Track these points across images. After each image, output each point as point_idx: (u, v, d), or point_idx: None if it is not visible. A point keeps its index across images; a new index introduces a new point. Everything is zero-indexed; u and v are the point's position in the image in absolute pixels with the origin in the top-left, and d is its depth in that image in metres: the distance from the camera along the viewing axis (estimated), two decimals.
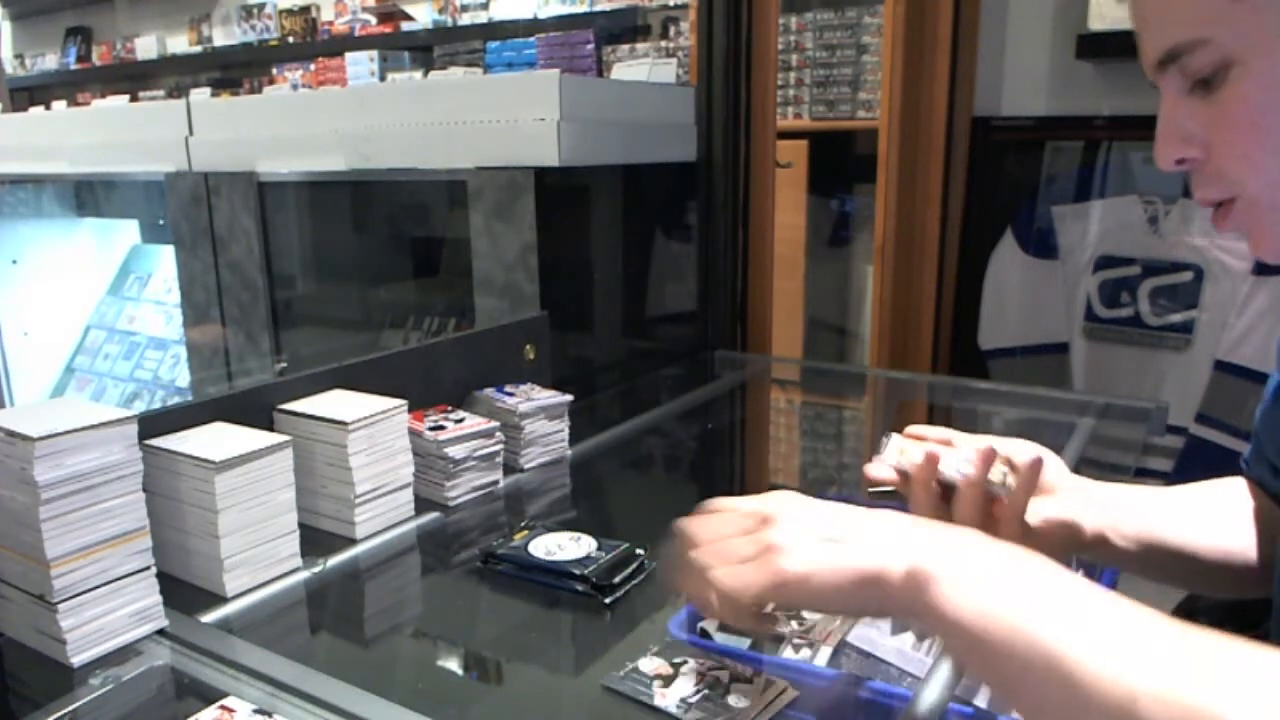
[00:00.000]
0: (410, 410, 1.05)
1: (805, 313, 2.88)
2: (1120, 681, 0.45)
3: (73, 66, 5.46)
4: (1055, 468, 0.79)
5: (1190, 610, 0.95)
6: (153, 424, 0.88)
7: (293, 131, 1.86)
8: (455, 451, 1.09)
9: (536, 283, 1.48)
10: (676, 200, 1.87)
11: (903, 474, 0.79)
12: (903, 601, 0.55)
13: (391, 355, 1.21)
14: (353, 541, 1.00)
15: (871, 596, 0.56)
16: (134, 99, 3.27)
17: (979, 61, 2.13)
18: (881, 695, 0.71)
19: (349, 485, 0.98)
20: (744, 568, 0.60)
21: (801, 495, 0.66)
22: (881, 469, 0.80)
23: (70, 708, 0.70)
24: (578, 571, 0.89)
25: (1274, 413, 0.84)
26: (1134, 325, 2.00)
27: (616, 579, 0.89)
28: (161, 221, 2.41)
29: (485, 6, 3.81)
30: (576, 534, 0.97)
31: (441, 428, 1.11)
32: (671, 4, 3.31)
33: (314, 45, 4.33)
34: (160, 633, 0.80)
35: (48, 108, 2.98)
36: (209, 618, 0.84)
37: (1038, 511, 0.75)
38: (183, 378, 2.57)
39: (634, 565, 0.92)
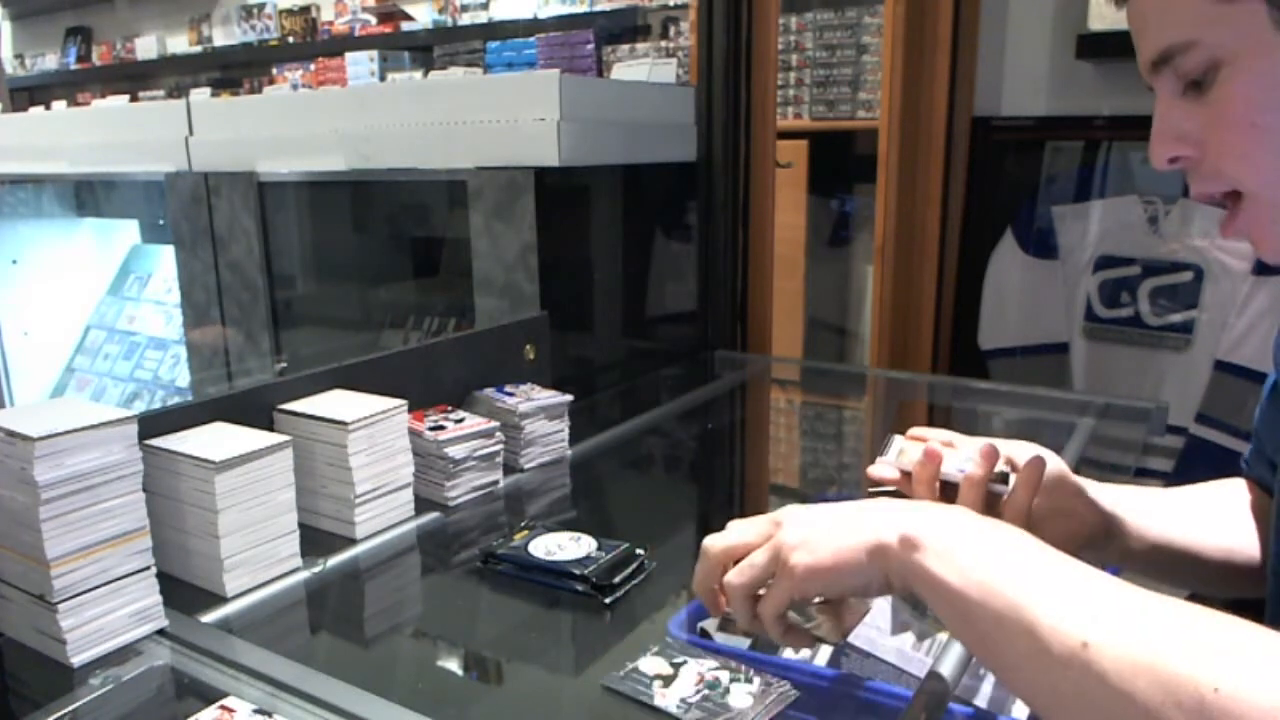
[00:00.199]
0: (410, 410, 1.05)
1: (805, 313, 2.88)
2: (1078, 632, 0.49)
3: (73, 66, 5.46)
4: (1057, 468, 0.79)
5: None
6: (153, 424, 0.88)
7: (293, 131, 1.86)
8: (455, 451, 1.09)
9: (536, 283, 1.48)
10: (676, 200, 1.87)
11: (905, 474, 0.79)
12: (899, 567, 0.60)
13: (391, 355, 1.21)
14: (353, 541, 1.00)
15: (877, 567, 0.62)
16: (134, 99, 3.26)
17: (979, 61, 2.13)
18: (881, 695, 0.71)
19: (349, 485, 0.98)
20: (770, 587, 0.66)
21: (806, 505, 0.70)
22: (884, 469, 0.81)
23: (70, 708, 0.70)
24: (578, 571, 0.89)
25: (1273, 412, 0.84)
26: (1134, 325, 2.00)
27: (616, 579, 0.89)
28: (161, 221, 2.41)
29: (485, 6, 3.81)
30: (576, 534, 0.97)
31: (441, 428, 1.11)
32: (671, 4, 3.31)
33: (314, 45, 4.33)
34: (160, 633, 0.80)
35: (48, 108, 2.98)
36: (209, 618, 0.84)
37: (1040, 512, 0.75)
38: (183, 378, 2.57)
39: (634, 565, 0.92)
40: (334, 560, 0.97)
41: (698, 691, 0.70)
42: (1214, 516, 0.85)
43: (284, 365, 2.00)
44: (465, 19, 3.85)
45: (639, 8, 3.39)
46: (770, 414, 1.79)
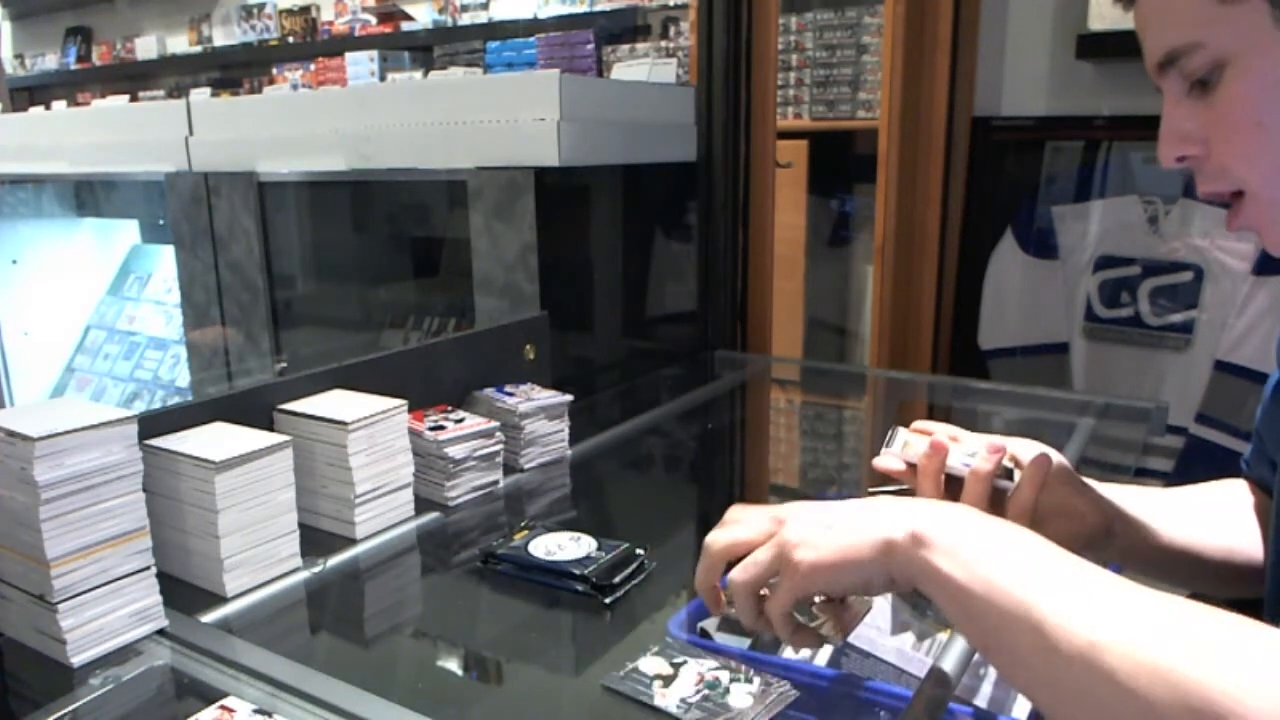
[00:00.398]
0: (410, 410, 1.05)
1: (805, 313, 2.88)
2: (1085, 631, 0.49)
3: (73, 66, 5.46)
4: (1061, 467, 0.79)
5: None
6: (153, 424, 0.88)
7: (293, 131, 1.86)
8: (455, 451, 1.09)
9: (536, 283, 1.48)
10: (676, 200, 1.87)
11: (910, 466, 0.79)
12: (906, 564, 0.60)
13: (391, 355, 1.21)
14: (353, 541, 1.00)
15: (882, 565, 0.61)
16: (134, 99, 3.27)
17: (979, 61, 2.13)
18: (881, 695, 0.71)
19: (349, 485, 0.98)
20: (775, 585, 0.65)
21: (808, 502, 0.69)
22: (889, 460, 0.80)
23: (70, 708, 0.70)
24: (578, 571, 0.89)
25: (1274, 411, 0.84)
26: (1134, 325, 2.00)
27: (616, 579, 0.89)
28: (161, 221, 2.41)
29: (485, 6, 3.81)
30: (576, 534, 0.97)
31: (441, 428, 1.11)
32: (671, 4, 3.31)
33: (314, 45, 4.33)
34: (160, 633, 0.80)
35: (48, 108, 2.98)
36: (209, 618, 0.84)
37: (1043, 510, 0.75)
38: (183, 378, 2.57)
39: (634, 565, 0.92)
40: (334, 560, 0.97)
41: (698, 691, 0.70)
42: (1214, 516, 0.85)
43: (284, 365, 2.00)
44: (465, 19, 3.85)
45: (639, 8, 3.39)
46: (770, 414, 1.79)
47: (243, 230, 1.97)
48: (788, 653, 0.81)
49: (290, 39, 4.45)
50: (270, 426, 1.00)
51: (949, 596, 0.57)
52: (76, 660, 0.75)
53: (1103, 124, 2.05)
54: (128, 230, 2.88)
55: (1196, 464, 1.88)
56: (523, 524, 1.02)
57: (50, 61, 5.61)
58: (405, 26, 4.01)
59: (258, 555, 0.89)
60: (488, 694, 0.80)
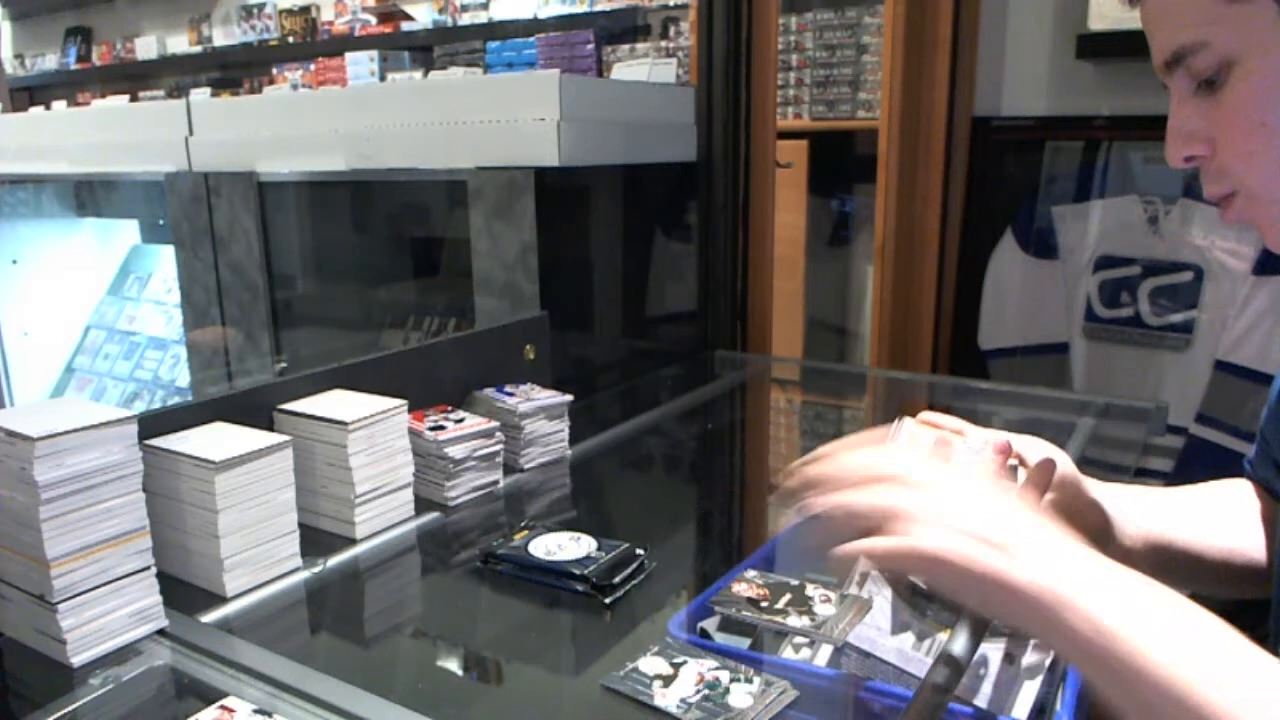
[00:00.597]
0: (410, 410, 1.05)
1: (805, 313, 2.88)
2: (1230, 709, 0.48)
3: (73, 66, 5.46)
4: (1065, 468, 0.79)
5: None
6: (153, 424, 0.88)
7: (293, 131, 1.86)
8: (455, 451, 1.09)
9: (536, 283, 1.48)
10: (676, 200, 1.87)
11: None
12: (1031, 616, 0.56)
13: (391, 355, 1.21)
14: (353, 541, 1.00)
15: (1001, 603, 0.58)
16: (134, 99, 3.27)
17: (979, 61, 2.13)
18: (881, 695, 0.71)
19: (349, 485, 0.98)
20: (880, 536, 0.61)
21: (926, 463, 0.66)
22: None
23: (70, 708, 0.70)
24: (578, 571, 0.89)
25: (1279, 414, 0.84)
26: (1134, 325, 2.00)
27: (616, 579, 0.89)
28: (161, 221, 2.41)
29: (485, 6, 3.80)
30: (576, 534, 0.97)
31: (441, 428, 1.11)
32: (671, 4, 3.31)
33: (314, 45, 4.33)
34: (160, 633, 0.80)
35: (48, 108, 2.98)
36: (209, 618, 0.84)
37: (1044, 510, 0.75)
38: (183, 378, 2.57)
39: (634, 565, 0.92)
40: (334, 560, 0.97)
41: (698, 691, 0.70)
42: (1216, 517, 0.85)
43: (284, 365, 2.00)
44: (465, 19, 3.85)
45: (639, 8, 3.39)
46: (770, 414, 1.78)
47: (243, 230, 1.97)
48: (788, 652, 0.81)
49: (290, 39, 4.45)
50: (270, 426, 1.00)
51: (1084, 658, 0.55)
52: (76, 660, 0.75)
53: (1103, 124, 2.05)
54: (128, 230, 2.88)
55: (1196, 464, 1.88)
56: (523, 524, 1.02)
57: (50, 61, 5.61)
58: (405, 26, 4.01)
59: (258, 555, 0.89)
60: (488, 694, 0.80)
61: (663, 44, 3.29)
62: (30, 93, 5.52)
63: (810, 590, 0.84)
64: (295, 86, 4.17)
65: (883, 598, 0.80)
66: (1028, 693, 0.77)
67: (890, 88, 2.12)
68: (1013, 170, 2.15)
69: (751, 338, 1.99)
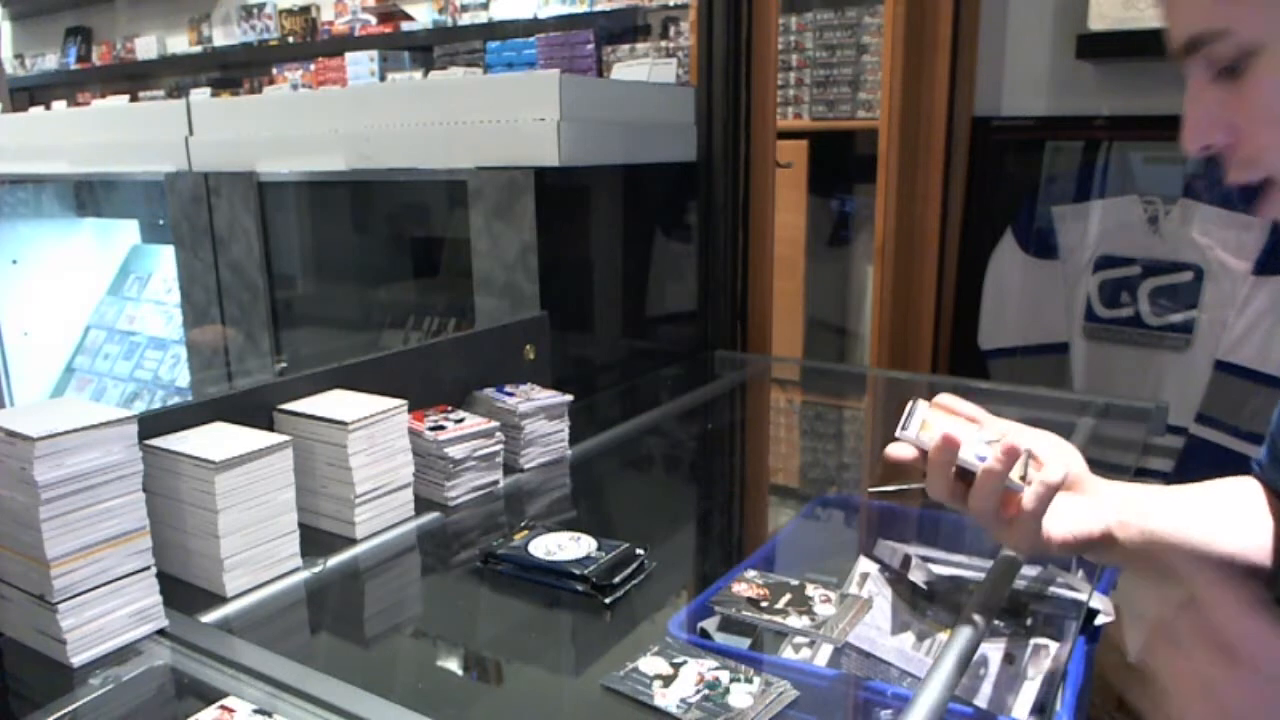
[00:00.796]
0: (410, 410, 1.05)
1: (805, 313, 2.88)
2: None
3: (73, 66, 5.46)
4: (1076, 465, 0.78)
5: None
6: (153, 424, 0.88)
7: (293, 131, 1.86)
8: (455, 451, 1.09)
9: (536, 283, 1.48)
10: (676, 200, 1.87)
11: (922, 451, 0.77)
12: None
13: (391, 355, 1.21)
14: (353, 541, 1.00)
15: None
16: (134, 99, 3.27)
17: (979, 61, 2.13)
18: (881, 695, 0.71)
19: (349, 485, 0.98)
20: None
21: None
22: (903, 448, 0.78)
23: (70, 708, 0.70)
24: (578, 571, 0.89)
25: None
26: (1134, 325, 2.00)
27: (616, 579, 0.89)
28: (161, 221, 2.41)
29: (485, 6, 3.80)
30: (576, 534, 0.97)
31: (441, 428, 1.11)
32: (671, 4, 3.31)
33: (314, 45, 4.33)
34: (160, 633, 0.80)
35: (48, 108, 2.98)
36: (209, 618, 0.84)
37: (1054, 517, 0.74)
38: (183, 378, 2.57)
39: (634, 565, 0.92)
40: (334, 560, 0.96)
41: (698, 691, 0.70)
42: (1224, 517, 0.84)
43: (284, 365, 2.00)
44: (465, 19, 3.85)
45: (639, 8, 3.39)
46: (770, 414, 1.78)
47: (243, 230, 1.97)
48: (788, 652, 0.81)
49: (290, 39, 4.45)
50: (270, 426, 1.00)
51: None
52: (76, 660, 0.75)
53: (1103, 124, 2.05)
54: (128, 230, 2.88)
55: (1196, 464, 1.88)
56: (523, 524, 1.02)
57: (50, 61, 5.61)
58: (405, 26, 4.01)
59: (258, 555, 0.89)
60: (488, 694, 0.80)
61: (663, 44, 3.29)
62: (30, 93, 5.52)
63: (810, 590, 0.84)
64: (295, 86, 4.17)
65: (883, 598, 0.80)
66: (1028, 693, 0.77)
67: (890, 88, 2.11)
68: (1013, 170, 2.15)
69: (751, 338, 1.99)
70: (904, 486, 0.80)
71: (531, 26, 3.58)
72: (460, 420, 1.14)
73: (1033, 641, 0.81)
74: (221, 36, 4.86)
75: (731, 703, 0.69)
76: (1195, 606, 0.54)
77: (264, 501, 0.89)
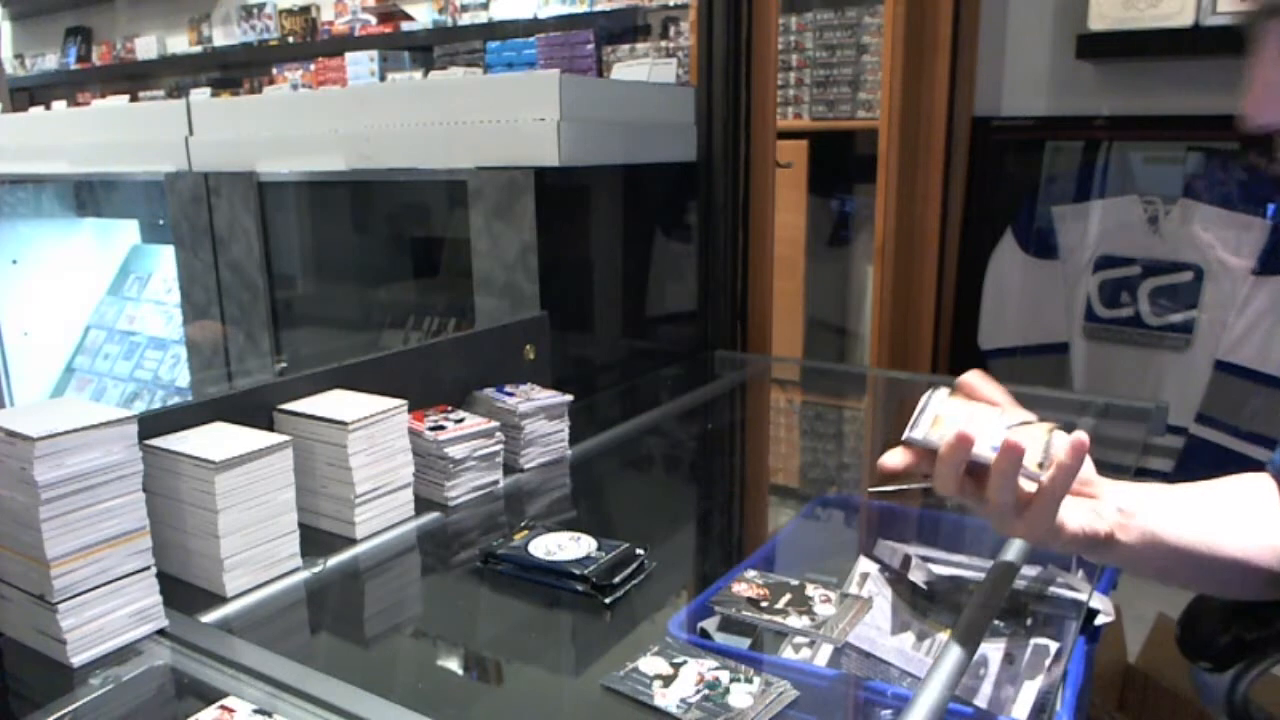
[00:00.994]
0: (410, 410, 1.05)
1: (805, 313, 2.88)
2: None
3: (73, 66, 5.46)
4: (1085, 464, 0.77)
5: (1197, 611, 0.94)
6: (153, 424, 0.88)
7: (293, 131, 1.86)
8: (455, 451, 1.09)
9: (536, 283, 1.48)
10: (676, 200, 1.87)
11: (930, 450, 0.75)
12: None
13: (391, 355, 1.21)
14: (353, 541, 1.00)
15: None
16: (134, 99, 3.27)
17: (979, 61, 2.13)
18: (881, 695, 0.71)
19: (349, 485, 0.98)
20: None
21: None
22: (895, 457, 0.76)
23: (70, 708, 0.70)
24: (578, 571, 0.89)
25: None
26: (1134, 325, 2.00)
27: (616, 579, 0.89)
28: (161, 221, 2.41)
29: (485, 6, 3.81)
30: (576, 534, 0.97)
31: (441, 428, 1.11)
32: (671, 4, 3.31)
33: (314, 45, 4.33)
34: (160, 633, 0.80)
35: (48, 108, 2.98)
36: (209, 618, 0.84)
37: (1066, 508, 0.74)
38: (183, 378, 2.57)
39: (634, 565, 0.92)
40: (334, 560, 0.96)
41: (698, 691, 0.70)
42: (1228, 519, 0.83)
43: (284, 365, 2.00)
44: (465, 19, 3.86)
45: (639, 8, 3.39)
46: (770, 414, 1.78)
47: (243, 230, 1.97)
48: (788, 653, 0.81)
49: (290, 39, 4.45)
50: (270, 426, 1.00)
51: None
52: (76, 660, 0.75)
53: (1103, 124, 2.05)
54: (128, 230, 2.88)
55: (1196, 464, 1.88)
56: (523, 524, 1.02)
57: (50, 61, 5.61)
58: (405, 26, 4.01)
59: (258, 555, 0.89)
60: (488, 694, 0.80)
61: (663, 44, 3.29)
62: (30, 93, 5.52)
63: (810, 590, 0.84)
64: (295, 86, 4.17)
65: (883, 598, 0.80)
66: (1028, 693, 0.77)
67: (890, 88, 2.12)
68: (1013, 170, 2.15)
69: (751, 338, 1.99)
70: (904, 486, 0.80)
71: (531, 26, 3.58)
72: (460, 420, 1.14)
73: (1033, 641, 0.81)
74: (221, 36, 4.86)
75: (731, 703, 0.69)
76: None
77: (264, 501, 0.89)
